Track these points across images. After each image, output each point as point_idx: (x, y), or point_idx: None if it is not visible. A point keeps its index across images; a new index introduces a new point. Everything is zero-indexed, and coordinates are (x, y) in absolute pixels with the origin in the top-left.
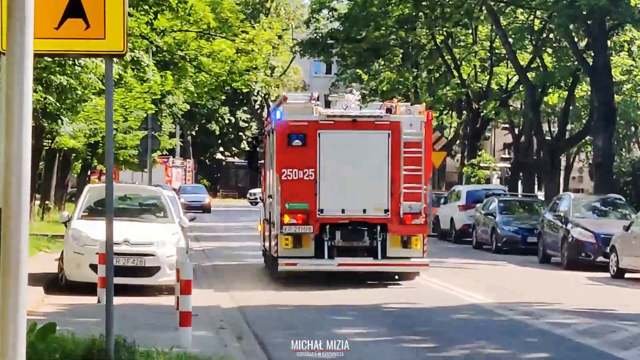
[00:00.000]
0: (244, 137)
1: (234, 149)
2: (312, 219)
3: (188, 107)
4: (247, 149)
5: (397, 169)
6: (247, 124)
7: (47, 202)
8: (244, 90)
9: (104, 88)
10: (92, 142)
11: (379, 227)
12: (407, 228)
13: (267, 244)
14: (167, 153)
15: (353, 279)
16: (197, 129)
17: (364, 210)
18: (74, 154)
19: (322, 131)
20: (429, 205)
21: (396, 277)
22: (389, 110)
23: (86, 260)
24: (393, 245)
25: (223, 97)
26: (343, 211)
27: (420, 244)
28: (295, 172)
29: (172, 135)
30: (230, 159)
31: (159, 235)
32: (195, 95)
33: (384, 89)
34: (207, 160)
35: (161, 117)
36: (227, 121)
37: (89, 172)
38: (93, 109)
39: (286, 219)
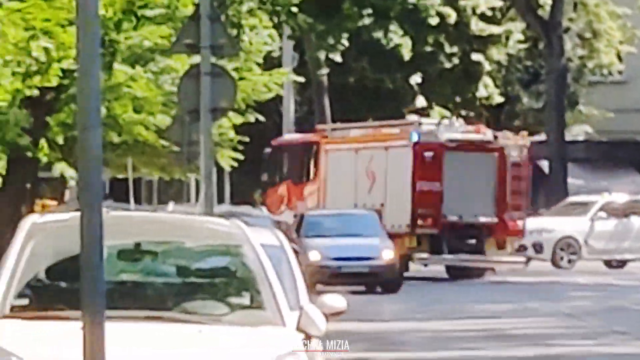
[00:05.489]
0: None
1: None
2: (437, 222)
3: None
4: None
5: (503, 183)
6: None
7: None
8: None
9: None
10: (40, 89)
11: (487, 230)
12: (510, 232)
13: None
14: (265, 118)
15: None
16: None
17: (476, 216)
18: None
19: (448, 152)
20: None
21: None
22: (495, 137)
23: None
24: (497, 246)
25: None
26: (461, 217)
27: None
28: (426, 184)
29: (271, 62)
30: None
31: None
32: None
33: None
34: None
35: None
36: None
37: (27, 184)
38: None
39: (418, 222)
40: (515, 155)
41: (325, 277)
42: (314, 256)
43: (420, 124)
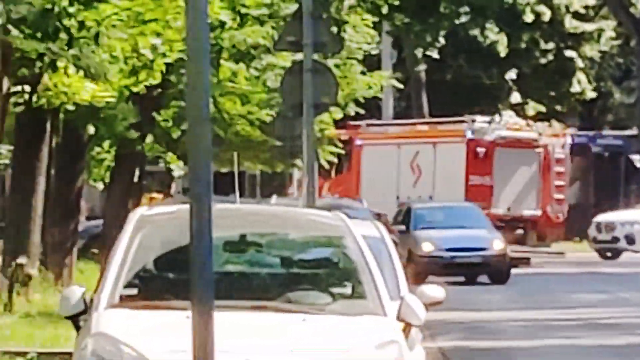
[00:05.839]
0: None
1: None
2: (487, 215)
3: None
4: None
5: (547, 178)
6: None
7: (18, 259)
8: None
9: None
10: (146, 86)
11: (531, 223)
12: (552, 225)
13: None
14: (365, 112)
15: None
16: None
17: (522, 209)
18: (93, 125)
19: (498, 148)
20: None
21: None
22: (540, 134)
23: None
24: (538, 238)
25: None
26: (509, 209)
27: (560, 239)
28: (478, 178)
29: (371, 59)
30: None
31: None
32: None
33: None
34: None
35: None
36: None
37: (136, 176)
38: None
39: None
40: (558, 151)
41: (438, 268)
42: (427, 247)
43: (473, 121)
